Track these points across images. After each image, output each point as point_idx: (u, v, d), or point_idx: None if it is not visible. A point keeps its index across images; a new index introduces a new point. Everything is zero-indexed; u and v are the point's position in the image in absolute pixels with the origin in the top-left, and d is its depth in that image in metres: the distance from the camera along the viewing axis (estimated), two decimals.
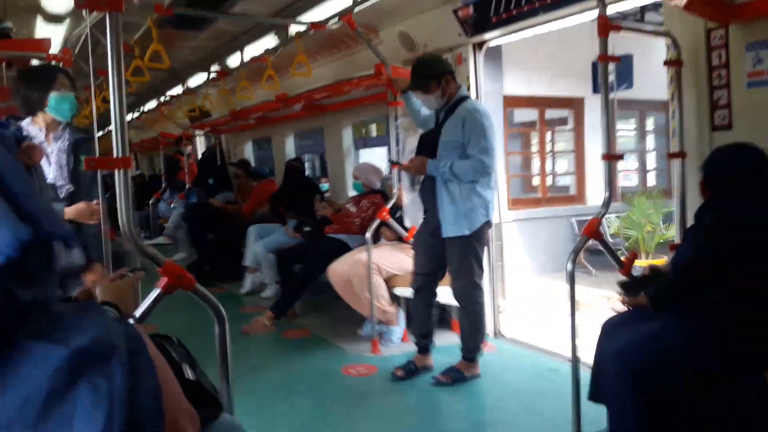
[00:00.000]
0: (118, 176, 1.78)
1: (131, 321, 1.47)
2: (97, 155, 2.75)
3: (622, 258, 2.72)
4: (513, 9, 3.55)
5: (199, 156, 9.01)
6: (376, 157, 7.21)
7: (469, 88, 4.08)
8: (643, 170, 8.45)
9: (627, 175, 8.55)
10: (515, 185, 7.66)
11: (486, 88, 4.48)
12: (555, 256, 6.27)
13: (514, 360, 3.69)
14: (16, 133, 2.51)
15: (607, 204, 2.57)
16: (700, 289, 2.20)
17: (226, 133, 8.19)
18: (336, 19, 3.79)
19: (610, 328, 2.43)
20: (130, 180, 1.80)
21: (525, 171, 7.80)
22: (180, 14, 3.94)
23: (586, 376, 2.45)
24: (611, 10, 3.20)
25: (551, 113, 7.72)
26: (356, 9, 3.81)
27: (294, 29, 4.43)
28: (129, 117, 9.96)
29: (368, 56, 3.97)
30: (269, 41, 5.11)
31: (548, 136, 8.10)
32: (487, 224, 3.26)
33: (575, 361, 2.45)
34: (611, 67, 7.21)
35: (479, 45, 4.05)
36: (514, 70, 6.53)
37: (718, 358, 2.09)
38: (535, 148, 7.62)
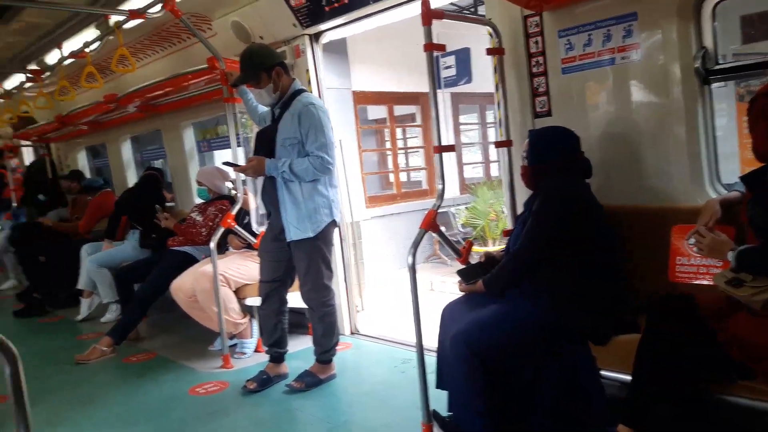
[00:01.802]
0: None
1: None
2: None
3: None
4: None
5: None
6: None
7: (309, 82, 3.97)
8: (486, 161, 8.88)
9: (475, 167, 8.94)
10: (374, 182, 7.71)
11: (333, 84, 4.41)
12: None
13: (369, 356, 3.66)
14: None
15: (441, 196, 2.56)
16: (530, 273, 2.27)
17: (56, 141, 7.38)
18: (158, 7, 3.45)
19: (449, 314, 2.46)
20: None
21: (382, 168, 7.87)
22: None
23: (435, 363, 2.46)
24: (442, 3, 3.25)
25: (402, 109, 7.85)
26: None
27: (115, 20, 4.01)
28: None
29: (205, 50, 3.70)
30: (91, 35, 4.62)
31: (400, 132, 8.26)
32: (333, 224, 3.15)
33: (420, 351, 2.44)
34: (451, 61, 7.52)
35: (316, 36, 3.94)
36: (362, 65, 6.53)
37: (548, 335, 2.18)
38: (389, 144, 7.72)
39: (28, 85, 5.20)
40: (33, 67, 5.09)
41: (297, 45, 3.98)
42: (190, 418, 2.90)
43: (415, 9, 3.27)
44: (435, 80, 2.60)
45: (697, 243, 2.02)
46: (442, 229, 5.73)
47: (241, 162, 3.66)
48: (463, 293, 2.52)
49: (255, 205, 3.70)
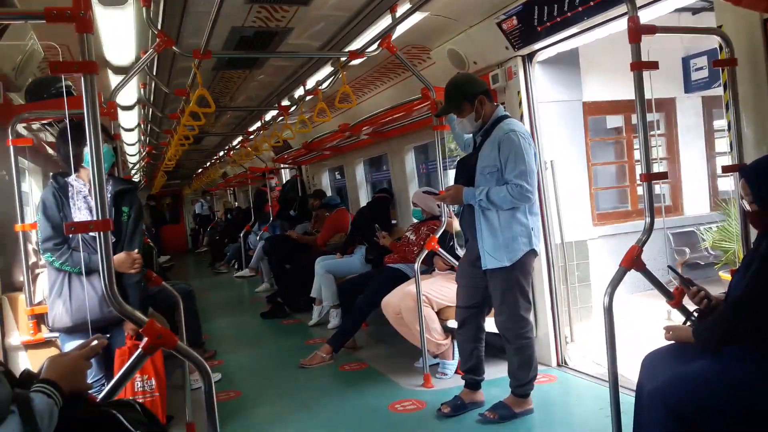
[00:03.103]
0: (99, 239, 1.77)
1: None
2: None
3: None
4: (557, 16, 3.33)
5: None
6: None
7: (521, 104, 3.88)
8: None
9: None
10: (611, 197, 7.19)
11: (560, 96, 4.30)
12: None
13: (574, 393, 3.43)
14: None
15: (648, 230, 2.33)
16: (752, 331, 1.90)
17: (305, 164, 8.40)
18: (375, 45, 3.73)
19: (651, 363, 2.19)
20: (110, 242, 1.79)
21: (621, 182, 7.30)
22: (223, 56, 4.08)
23: None
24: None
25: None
26: (397, 33, 3.73)
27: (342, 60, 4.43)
28: (220, 153, 10.58)
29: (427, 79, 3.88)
30: (327, 72, 5.14)
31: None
32: (531, 253, 3.03)
33: (616, 401, 2.23)
34: (703, 62, 6.65)
35: (529, 56, 3.85)
36: (595, 74, 6.17)
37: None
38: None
39: (279, 118, 6.02)
40: (284, 102, 5.87)
41: (509, 67, 3.94)
42: None
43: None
44: (643, 101, 2.34)
45: None
46: (686, 250, 5.18)
47: None
48: (669, 342, 2.22)
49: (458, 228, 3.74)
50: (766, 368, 1.83)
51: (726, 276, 5.36)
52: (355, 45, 4.05)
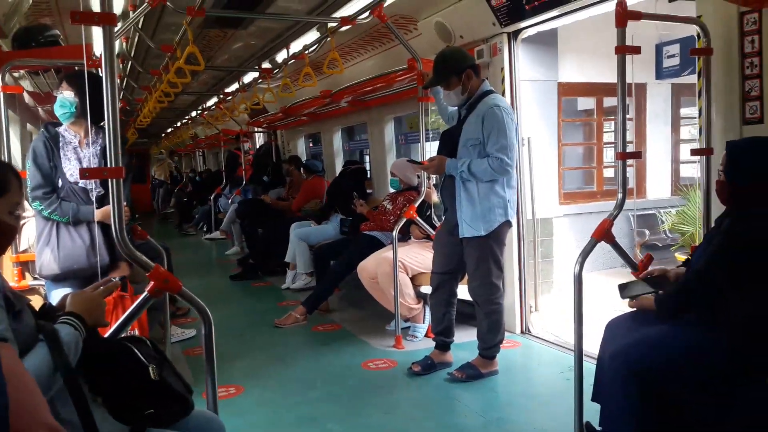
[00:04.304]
0: (111, 186, 1.84)
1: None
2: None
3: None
4: None
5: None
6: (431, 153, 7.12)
7: (503, 80, 4.00)
8: None
9: (695, 165, 8.05)
10: (577, 178, 7.40)
11: (537, 76, 4.40)
12: (609, 252, 6.02)
13: (537, 358, 3.63)
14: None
15: (620, 206, 2.48)
16: (709, 299, 2.08)
17: (280, 129, 8.39)
18: (367, 13, 3.77)
19: (614, 329, 2.36)
20: (122, 189, 1.85)
21: (589, 163, 7.51)
22: (214, 15, 4.07)
23: None
24: None
25: (613, 101, 7.38)
26: (387, 2, 3.78)
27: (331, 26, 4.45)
28: (193, 114, 10.43)
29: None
30: (312, 37, 5.15)
31: (612, 126, 7.76)
32: (506, 224, 3.19)
33: (579, 360, 2.42)
34: (675, 50, 6.85)
35: (514, 34, 3.95)
36: (573, 55, 6.29)
37: (725, 370, 1.98)
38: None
39: (260, 81, 6.00)
40: (266, 65, 5.85)
41: (495, 43, 4.03)
42: (358, 389, 3.18)
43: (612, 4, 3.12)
44: (624, 84, 2.49)
45: None
46: (645, 231, 5.49)
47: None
48: (631, 309, 2.40)
49: (437, 199, 3.87)
50: (717, 334, 2.01)
51: (681, 257, 5.67)
52: (345, 11, 4.08)
